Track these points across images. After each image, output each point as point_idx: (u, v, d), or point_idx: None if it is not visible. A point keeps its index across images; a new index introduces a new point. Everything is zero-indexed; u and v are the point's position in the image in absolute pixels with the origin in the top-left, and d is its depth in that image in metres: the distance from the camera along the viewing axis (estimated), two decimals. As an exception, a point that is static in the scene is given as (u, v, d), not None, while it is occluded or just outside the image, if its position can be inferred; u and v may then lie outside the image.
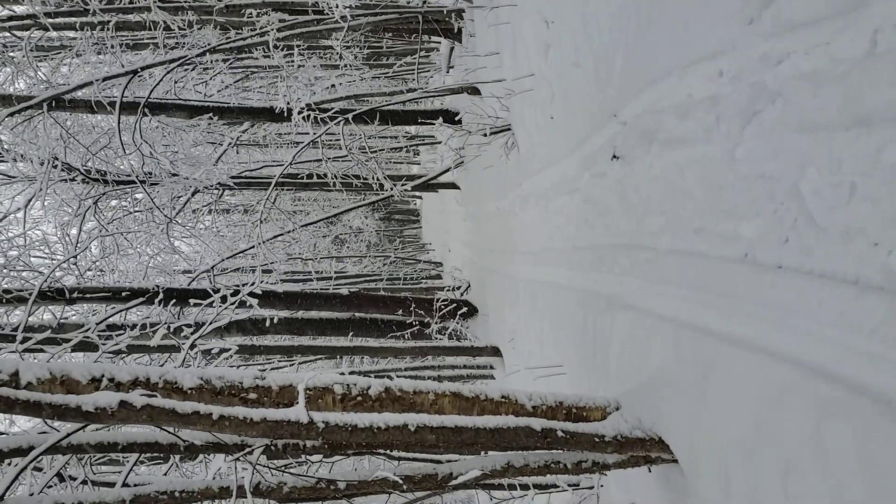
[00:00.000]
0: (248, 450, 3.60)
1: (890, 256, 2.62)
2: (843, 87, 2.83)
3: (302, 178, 13.14)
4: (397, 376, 3.97)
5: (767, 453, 3.19)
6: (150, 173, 11.70)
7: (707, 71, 3.88)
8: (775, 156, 3.26)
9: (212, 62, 13.89)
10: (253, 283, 7.54)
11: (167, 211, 12.11)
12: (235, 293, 7.00)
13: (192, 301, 7.39)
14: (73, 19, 12.01)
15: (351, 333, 11.87)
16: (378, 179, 11.55)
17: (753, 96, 3.42)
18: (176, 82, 13.27)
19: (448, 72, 16.46)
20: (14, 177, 11.93)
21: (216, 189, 12.77)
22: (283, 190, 15.76)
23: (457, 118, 10.84)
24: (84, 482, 5.16)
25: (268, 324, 10.51)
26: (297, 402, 3.38)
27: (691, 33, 4.03)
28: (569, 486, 5.59)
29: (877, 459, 2.58)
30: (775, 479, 3.12)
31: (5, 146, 10.76)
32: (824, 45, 2.95)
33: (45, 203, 12.14)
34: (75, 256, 10.92)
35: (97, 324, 8.53)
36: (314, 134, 10.27)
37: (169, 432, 3.66)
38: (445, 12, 11.98)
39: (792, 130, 3.15)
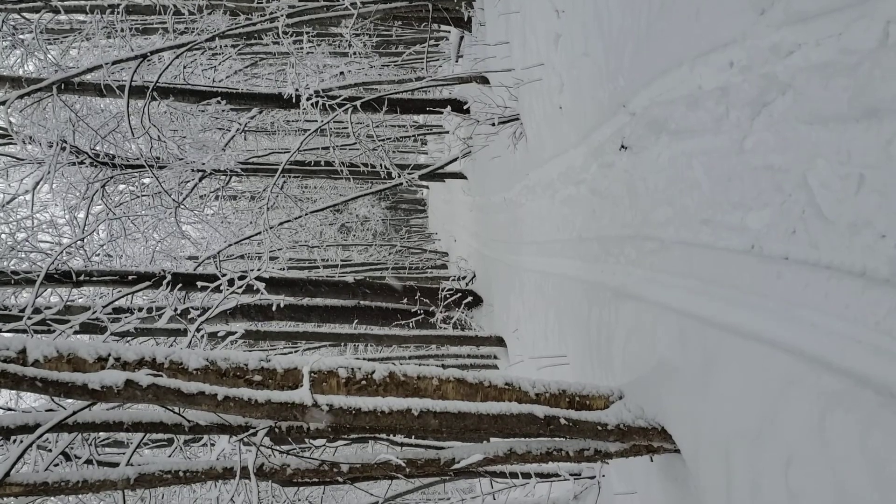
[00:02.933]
0: (252, 431, 3.62)
1: (897, 249, 2.62)
2: (854, 79, 2.82)
3: (309, 164, 13.15)
4: (401, 364, 3.98)
5: (770, 444, 3.19)
6: (158, 157, 11.73)
7: (717, 61, 3.87)
8: (784, 147, 3.26)
9: (221, 47, 13.92)
10: (260, 269, 7.56)
11: (175, 195, 12.14)
12: (242, 278, 7.03)
13: (199, 284, 7.42)
14: (83, 2, 12.03)
15: (355, 321, 11.90)
16: (386, 167, 11.56)
17: (764, 87, 3.40)
18: (185, 67, 13.29)
19: (457, 61, 16.43)
20: (23, 159, 11.96)
21: (224, 174, 12.79)
22: (290, 177, 15.77)
23: (465, 107, 10.83)
24: (89, 461, 5.20)
25: (273, 309, 10.55)
26: (302, 385, 3.40)
27: (702, 23, 4.02)
28: (570, 475, 5.62)
29: (880, 451, 2.58)
30: (777, 470, 3.12)
31: (14, 128, 10.78)
32: (835, 37, 2.93)
33: (54, 186, 12.18)
34: (82, 239, 10.95)
35: (104, 306, 8.57)
36: (322, 121, 10.28)
37: (174, 412, 3.68)
38: (455, 1, 11.95)
39: (801, 122, 3.14)
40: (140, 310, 9.03)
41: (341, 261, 24.56)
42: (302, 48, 13.04)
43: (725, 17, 3.75)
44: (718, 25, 3.83)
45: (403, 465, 3.89)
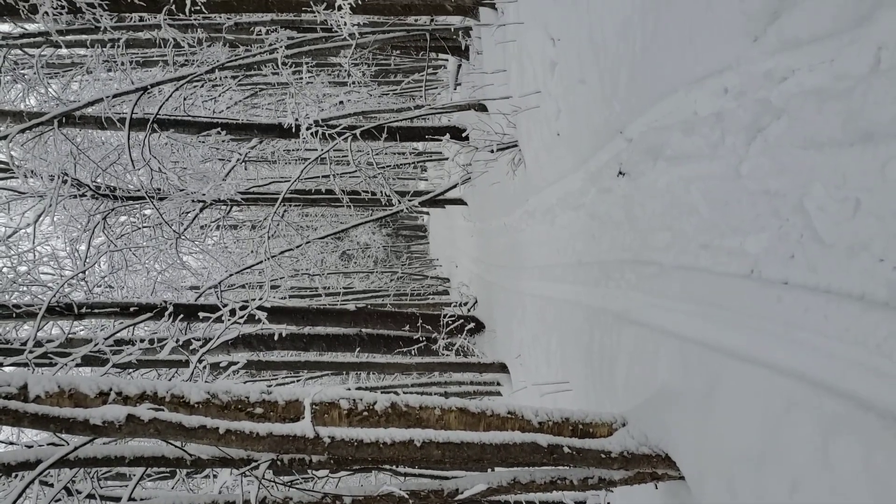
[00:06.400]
0: (254, 464, 3.60)
1: (895, 272, 2.62)
2: (848, 104, 2.84)
3: (310, 192, 13.20)
4: (404, 392, 3.98)
5: (774, 469, 3.18)
6: (159, 189, 11.77)
7: (712, 87, 3.90)
8: (780, 172, 3.27)
9: (221, 79, 14.02)
10: (261, 298, 7.57)
11: (176, 226, 12.17)
12: (243, 308, 7.03)
13: (200, 315, 7.41)
14: (84, 37, 12.14)
15: (357, 349, 11.88)
16: (386, 194, 11.60)
17: (758, 113, 3.43)
18: (185, 99, 13.38)
19: (455, 89, 16.56)
20: (24, 192, 12.01)
21: (224, 204, 12.83)
22: (290, 205, 15.82)
23: (464, 134, 10.89)
24: (91, 496, 5.16)
25: (275, 339, 10.53)
26: (304, 417, 3.39)
27: (696, 50, 4.06)
28: (575, 503, 5.57)
29: (884, 474, 2.57)
30: (782, 495, 3.10)
31: (16, 162, 10.84)
32: (828, 62, 2.96)
33: (55, 218, 12.22)
34: (84, 272, 10.97)
35: (106, 338, 8.56)
36: (322, 149, 10.33)
37: (176, 446, 3.67)
38: (453, 30, 12.06)
39: (797, 147, 3.16)
40: (142, 341, 9.02)
41: (343, 288, 24.57)
42: (301, 78, 13.14)
43: (719, 44, 3.79)
44: (712, 52, 3.87)
45: (406, 496, 3.87)
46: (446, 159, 18.35)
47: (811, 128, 3.06)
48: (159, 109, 10.18)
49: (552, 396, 7.01)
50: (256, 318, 7.16)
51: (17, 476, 4.90)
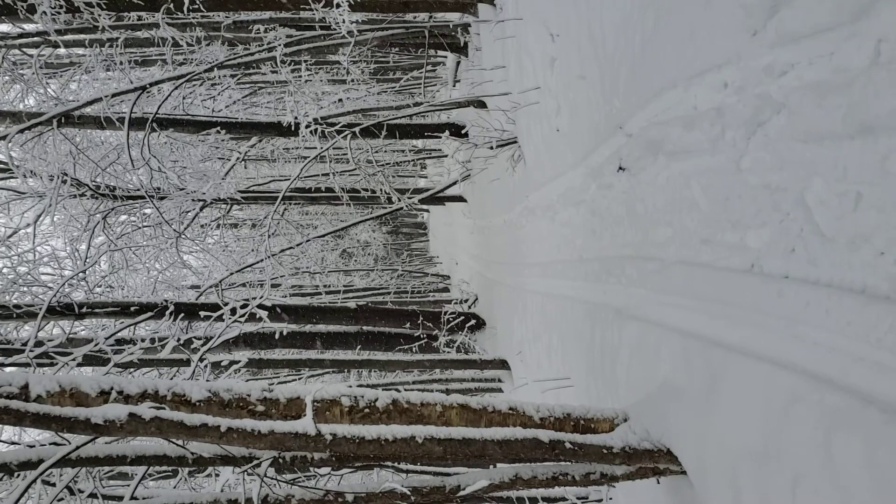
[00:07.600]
0: (256, 462, 3.60)
1: (896, 265, 2.62)
2: (848, 97, 2.84)
3: (310, 191, 13.20)
4: (405, 389, 3.98)
5: (776, 464, 3.17)
6: (159, 188, 11.77)
7: (712, 82, 3.89)
8: (781, 166, 3.27)
9: (220, 77, 14.00)
10: (262, 297, 7.56)
11: (176, 225, 12.17)
12: (244, 306, 7.03)
13: (201, 314, 7.41)
14: (82, 36, 12.13)
15: (359, 347, 11.88)
16: (386, 192, 11.60)
17: (758, 107, 3.42)
18: (184, 98, 13.37)
19: (454, 85, 16.54)
20: (24, 193, 12.01)
21: (224, 203, 12.83)
22: (290, 204, 15.81)
23: (463, 131, 10.89)
24: (93, 495, 5.17)
25: (276, 337, 10.53)
26: (305, 415, 3.39)
27: (696, 45, 4.05)
28: (577, 499, 5.58)
29: (886, 469, 2.57)
30: (785, 491, 3.10)
31: (16, 162, 10.83)
32: (828, 56, 2.96)
33: (55, 218, 12.22)
34: (84, 271, 10.97)
35: (106, 338, 8.56)
36: (321, 148, 10.32)
37: (177, 445, 3.67)
38: (451, 27, 12.05)
39: (797, 140, 3.16)
40: (143, 340, 9.02)
41: (343, 286, 24.56)
42: (300, 76, 13.14)
43: (718, 39, 3.78)
44: (712, 47, 3.87)
45: (408, 493, 3.87)
46: (446, 156, 18.34)
47: (811, 121, 3.06)
48: (158, 108, 10.17)
49: (553, 392, 7.01)
50: (257, 316, 7.16)
51: (19, 476, 4.89)
